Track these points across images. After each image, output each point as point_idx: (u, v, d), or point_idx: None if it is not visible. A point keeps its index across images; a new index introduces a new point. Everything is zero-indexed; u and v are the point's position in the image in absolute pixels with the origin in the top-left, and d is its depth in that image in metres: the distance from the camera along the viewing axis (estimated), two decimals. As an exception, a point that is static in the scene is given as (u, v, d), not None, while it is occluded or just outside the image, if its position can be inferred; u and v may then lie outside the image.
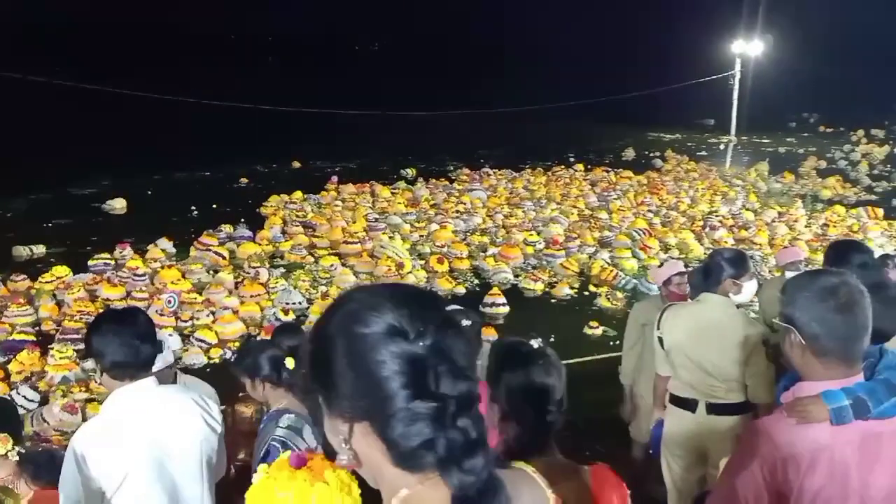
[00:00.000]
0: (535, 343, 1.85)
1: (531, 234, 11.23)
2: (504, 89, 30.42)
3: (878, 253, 9.28)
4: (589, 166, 17.81)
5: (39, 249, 10.30)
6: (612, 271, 9.60)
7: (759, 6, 26.21)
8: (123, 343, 2.39)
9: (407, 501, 0.99)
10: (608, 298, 8.81)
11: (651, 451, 4.12)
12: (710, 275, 3.69)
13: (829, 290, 1.82)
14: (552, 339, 6.55)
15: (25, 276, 8.55)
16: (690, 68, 28.16)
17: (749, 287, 3.68)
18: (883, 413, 1.79)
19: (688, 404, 3.62)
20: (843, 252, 3.61)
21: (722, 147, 24.59)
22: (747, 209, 13.28)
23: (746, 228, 11.79)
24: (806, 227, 11.99)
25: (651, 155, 20.68)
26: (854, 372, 1.83)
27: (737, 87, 26.13)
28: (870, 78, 37.96)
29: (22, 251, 10.13)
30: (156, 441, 2.44)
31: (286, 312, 7.94)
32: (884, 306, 2.11)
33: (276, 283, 8.92)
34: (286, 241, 10.76)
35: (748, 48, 25.96)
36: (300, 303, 8.38)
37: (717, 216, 12.62)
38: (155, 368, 2.62)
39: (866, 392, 1.79)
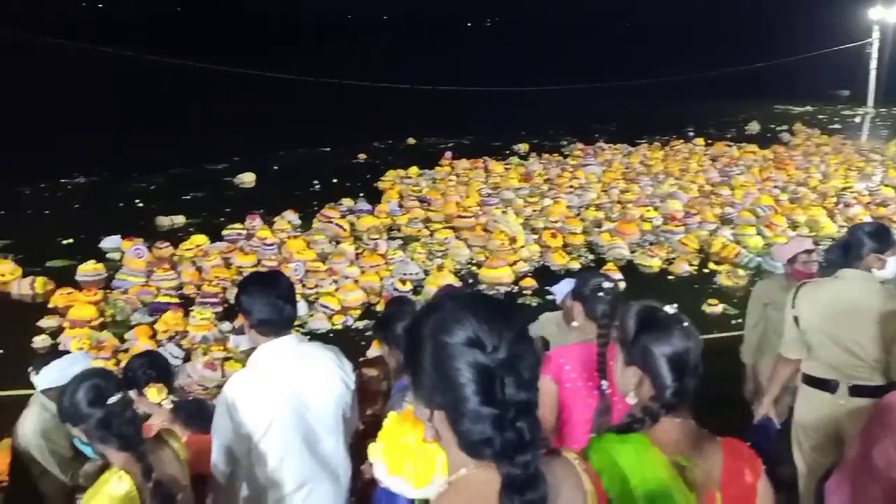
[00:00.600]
0: (671, 309, 1.84)
1: (648, 210, 10.99)
2: (618, 62, 29.60)
3: None
4: (709, 141, 17.11)
5: (179, 220, 11.13)
6: (734, 248, 9.27)
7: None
8: (268, 303, 2.57)
9: (464, 479, 1.19)
10: (729, 276, 8.53)
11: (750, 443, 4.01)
12: (850, 250, 3.50)
13: None
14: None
15: (168, 244, 9.29)
16: (823, 36, 26.35)
17: (893, 262, 3.50)
18: None
19: (827, 385, 3.45)
20: None
21: (858, 119, 22.92)
22: (886, 185, 12.38)
23: (885, 205, 11.02)
24: (952, 204, 11.08)
25: (778, 129, 19.59)
26: None
27: (875, 55, 24.20)
28: None
29: (164, 221, 10.99)
30: (296, 393, 2.60)
31: (403, 283, 8.22)
32: None
33: (394, 254, 9.22)
34: (403, 214, 11.08)
35: (887, 14, 23.94)
36: (416, 274, 8.64)
37: (851, 192, 11.85)
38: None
39: None
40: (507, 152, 16.35)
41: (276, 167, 15.77)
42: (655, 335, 1.78)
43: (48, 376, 3.21)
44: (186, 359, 6.54)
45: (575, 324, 2.97)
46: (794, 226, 10.31)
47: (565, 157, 15.70)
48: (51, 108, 20.82)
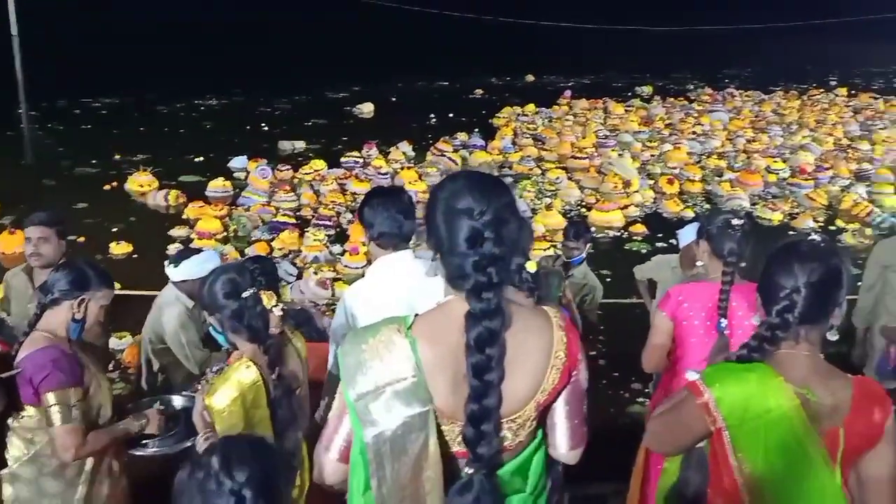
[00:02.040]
0: (813, 236, 1.78)
1: (776, 162, 10.40)
2: (755, 3, 27.56)
3: None
4: (853, 91, 15.84)
5: (300, 144, 11.56)
6: (865, 206, 8.67)
7: None
8: (389, 216, 2.64)
9: (448, 302, 1.56)
10: (855, 235, 8.02)
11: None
12: None
13: None
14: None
15: (289, 167, 9.70)
16: None
17: None
18: None
19: None
20: None
21: None
22: None
23: None
24: None
25: (935, 81, 17.85)
26: None
27: None
28: None
29: (286, 145, 11.45)
30: (410, 306, 2.53)
31: (510, 221, 8.22)
32: None
33: (504, 191, 9.22)
34: (516, 152, 11.02)
35: None
36: (524, 212, 8.63)
37: None
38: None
39: None
40: (629, 94, 15.80)
41: (393, 98, 15.98)
42: (774, 261, 1.77)
43: (185, 269, 3.45)
44: (299, 276, 6.88)
45: (699, 264, 2.91)
46: (938, 188, 9.50)
47: (691, 101, 15.02)
48: (184, 33, 21.82)
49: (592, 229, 8.17)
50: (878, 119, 13.28)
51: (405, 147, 11.03)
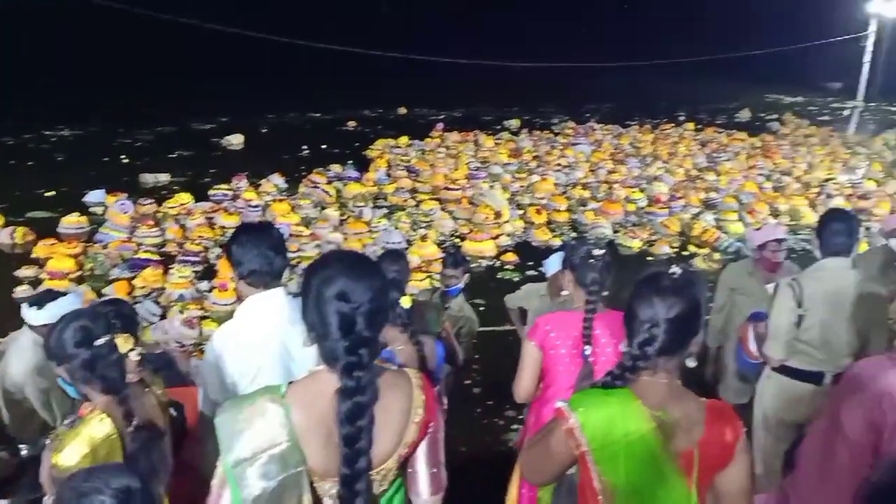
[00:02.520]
0: (672, 270, 1.87)
1: (634, 192, 11.05)
2: (613, 43, 29.44)
3: None
4: (699, 126, 17.18)
5: (164, 178, 11.06)
6: (714, 233, 9.37)
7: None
8: (259, 253, 2.56)
9: (318, 373, 1.67)
10: (705, 259, 8.65)
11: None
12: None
13: None
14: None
15: (152, 201, 9.24)
16: (819, 27, 26.30)
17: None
18: None
19: (815, 377, 3.47)
20: None
21: (847, 113, 23.02)
22: (869, 179, 12.51)
23: (866, 198, 11.13)
24: (932, 200, 11.23)
25: (767, 117, 19.68)
26: None
27: (870, 49, 24.29)
28: None
29: (148, 178, 10.92)
30: (283, 345, 2.59)
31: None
32: None
33: (379, 222, 9.25)
34: (390, 183, 11.08)
35: (886, 8, 23.95)
36: (399, 243, 8.64)
37: (834, 184, 11.97)
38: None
39: None
40: (498, 127, 16.33)
41: (264, 130, 15.67)
42: (636, 294, 1.85)
43: (49, 313, 3.18)
44: (163, 316, 6.54)
45: (565, 293, 3.01)
46: (775, 214, 10.43)
47: (556, 134, 15.71)
48: (34, 59, 20.47)
49: (467, 258, 8.39)
50: (722, 151, 14.42)
51: (277, 179, 10.81)
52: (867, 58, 24.36)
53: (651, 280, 1.86)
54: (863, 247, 4.20)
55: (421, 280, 7.32)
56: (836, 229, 3.44)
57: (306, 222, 9.08)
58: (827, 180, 12.23)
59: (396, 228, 9.09)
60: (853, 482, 1.80)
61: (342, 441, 1.59)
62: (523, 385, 2.91)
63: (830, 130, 17.89)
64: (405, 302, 2.91)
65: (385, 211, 9.87)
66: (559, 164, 12.71)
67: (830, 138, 16.68)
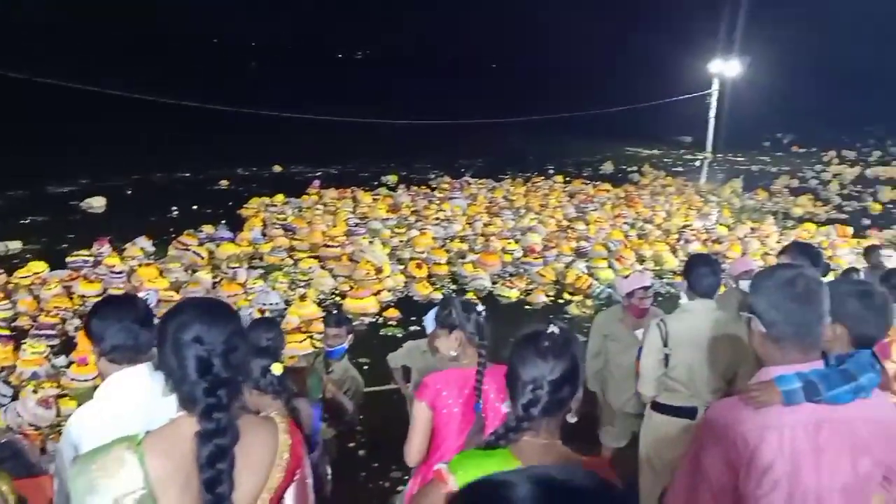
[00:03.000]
0: (553, 328, 1.89)
1: (509, 243, 11.36)
2: (483, 102, 30.65)
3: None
4: (568, 178, 18.04)
5: (15, 245, 10.22)
6: (586, 280, 9.76)
7: (737, 27, 26.70)
8: (123, 327, 2.38)
9: (178, 420, 1.67)
10: (578, 306, 8.98)
11: None
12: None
13: (787, 280, 1.94)
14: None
15: (2, 271, 8.50)
16: (670, 86, 28.63)
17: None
18: (836, 398, 1.87)
19: (688, 412, 3.59)
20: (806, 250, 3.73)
21: (698, 164, 24.98)
22: (721, 224, 13.54)
23: (719, 242, 12.02)
24: (777, 242, 12.23)
25: (629, 169, 20.99)
26: (810, 358, 1.93)
27: (714, 105, 26.60)
28: (843, 101, 38.79)
29: (-3, 246, 10.06)
30: (151, 425, 2.42)
31: (262, 313, 7.97)
32: (871, 312, 2.24)
33: (255, 283, 8.95)
34: (266, 242, 10.80)
35: (725, 68, 26.44)
36: (277, 304, 8.42)
37: (691, 230, 12.85)
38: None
39: (819, 377, 1.89)
40: (376, 183, 16.42)
41: (129, 192, 14.94)
42: (517, 355, 1.86)
43: None
44: (15, 397, 5.97)
45: (453, 353, 2.98)
46: (641, 260, 11.01)
47: (433, 189, 15.98)
48: None
49: (349, 317, 8.25)
50: (589, 202, 15.18)
51: (143, 242, 10.26)
52: (712, 113, 26.61)
53: (531, 339, 1.88)
54: (721, 289, 4.46)
55: (301, 341, 7.11)
56: (703, 272, 3.67)
57: (176, 287, 8.64)
58: (685, 227, 13.11)
59: (273, 289, 8.84)
60: None
61: (203, 485, 1.59)
62: (415, 447, 2.84)
63: (685, 180, 19.32)
64: (276, 368, 2.80)
65: (261, 271, 9.59)
66: (437, 219, 12.90)
67: (685, 188, 18.00)
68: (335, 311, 7.95)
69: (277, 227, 11.73)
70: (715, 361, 3.59)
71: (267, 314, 7.91)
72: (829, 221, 14.33)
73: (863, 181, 20.67)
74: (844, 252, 11.44)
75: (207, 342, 1.64)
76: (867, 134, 31.67)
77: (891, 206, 16.75)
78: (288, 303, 8.49)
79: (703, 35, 31.04)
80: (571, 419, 1.90)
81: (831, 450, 1.89)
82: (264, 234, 11.22)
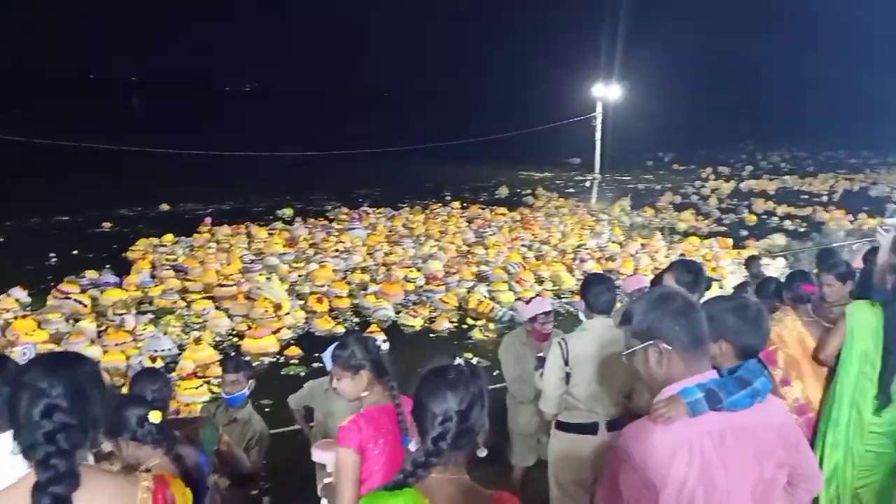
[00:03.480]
0: (457, 362, 1.86)
1: (411, 271, 11.32)
2: (378, 131, 30.75)
3: (732, 280, 10.04)
4: (465, 204, 18.27)
5: None
6: (488, 304, 9.83)
7: (615, 53, 28.10)
8: None
9: (23, 479, 1.61)
10: (481, 331, 9.03)
11: None
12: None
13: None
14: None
15: None
16: (558, 110, 29.69)
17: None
18: (735, 404, 1.94)
19: (590, 428, 3.62)
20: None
21: (588, 184, 25.94)
22: (613, 242, 14.04)
23: (613, 259, 12.44)
24: (666, 257, 12.80)
25: (523, 192, 21.51)
26: (706, 368, 1.98)
27: (599, 127, 27.74)
28: (716, 120, 41.53)
29: None
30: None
31: (154, 360, 7.52)
32: (748, 325, 2.32)
33: (145, 329, 8.47)
34: (155, 285, 10.28)
35: (607, 92, 27.67)
36: (170, 349, 7.99)
37: (585, 249, 13.24)
38: None
39: (718, 385, 1.96)
40: (271, 217, 16.04)
41: (1, 239, 13.90)
42: (424, 389, 1.83)
43: None
44: None
45: (365, 394, 2.87)
46: (539, 281, 11.22)
47: (330, 221, 15.78)
48: None
49: (247, 358, 7.93)
50: (487, 226, 15.41)
51: (18, 293, 9.53)
52: (598, 135, 27.74)
53: (438, 373, 1.85)
54: (617, 305, 4.56)
55: (198, 387, 6.77)
56: (599, 290, 3.75)
57: (57, 339, 8.07)
58: (579, 246, 13.52)
59: (165, 334, 8.39)
60: None
61: None
62: (348, 500, 2.67)
63: (576, 201, 20.02)
64: (154, 417, 2.64)
65: (151, 316, 9.10)
66: (337, 250, 12.71)
67: (577, 208, 18.63)
68: (233, 355, 7.65)
69: (168, 268, 11.19)
70: (614, 377, 3.65)
71: (159, 361, 7.48)
72: (711, 234, 15.16)
73: (738, 194, 22.08)
74: (727, 263, 12.11)
75: (48, 390, 1.63)
76: (739, 150, 34.02)
77: (764, 216, 17.94)
78: (182, 347, 8.08)
79: (586, 60, 32.55)
80: (481, 454, 1.86)
81: (737, 456, 1.94)
82: (153, 277, 10.68)
